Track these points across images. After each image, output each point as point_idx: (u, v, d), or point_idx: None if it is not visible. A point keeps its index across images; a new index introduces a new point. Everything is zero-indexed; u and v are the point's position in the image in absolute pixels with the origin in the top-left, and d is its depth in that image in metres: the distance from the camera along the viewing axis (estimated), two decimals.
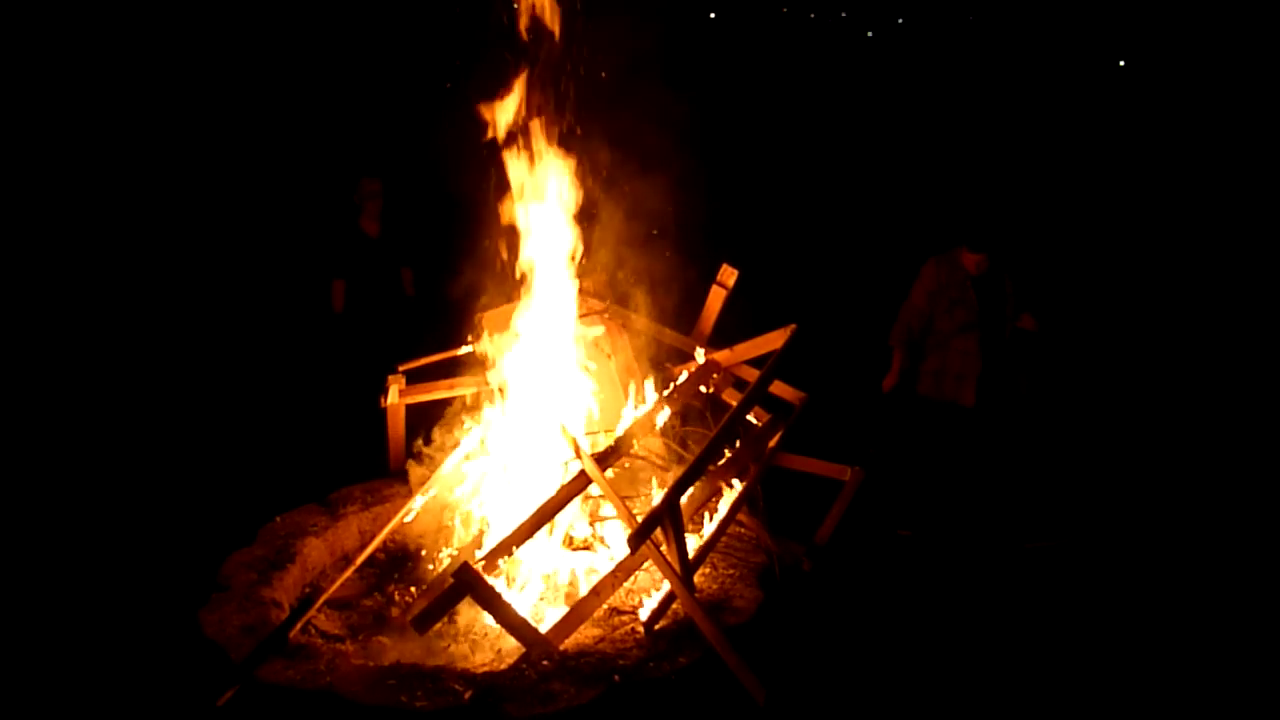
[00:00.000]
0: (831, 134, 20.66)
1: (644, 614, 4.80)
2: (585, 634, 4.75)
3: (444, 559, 5.37)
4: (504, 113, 5.76)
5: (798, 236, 13.40)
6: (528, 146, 5.79)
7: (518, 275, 5.92)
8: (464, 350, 6.02)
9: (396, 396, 5.88)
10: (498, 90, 5.77)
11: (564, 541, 5.36)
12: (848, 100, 24.98)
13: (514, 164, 5.79)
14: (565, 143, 5.96)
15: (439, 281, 6.80)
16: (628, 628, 4.81)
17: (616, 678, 4.35)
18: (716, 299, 6.07)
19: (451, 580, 4.49)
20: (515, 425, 5.57)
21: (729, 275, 6.03)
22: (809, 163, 17.96)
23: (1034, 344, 6.83)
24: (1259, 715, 4.99)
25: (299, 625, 4.61)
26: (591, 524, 5.46)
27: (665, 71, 6.82)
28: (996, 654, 5.28)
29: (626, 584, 5.01)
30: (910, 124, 21.82)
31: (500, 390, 5.71)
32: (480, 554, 4.79)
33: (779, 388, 5.78)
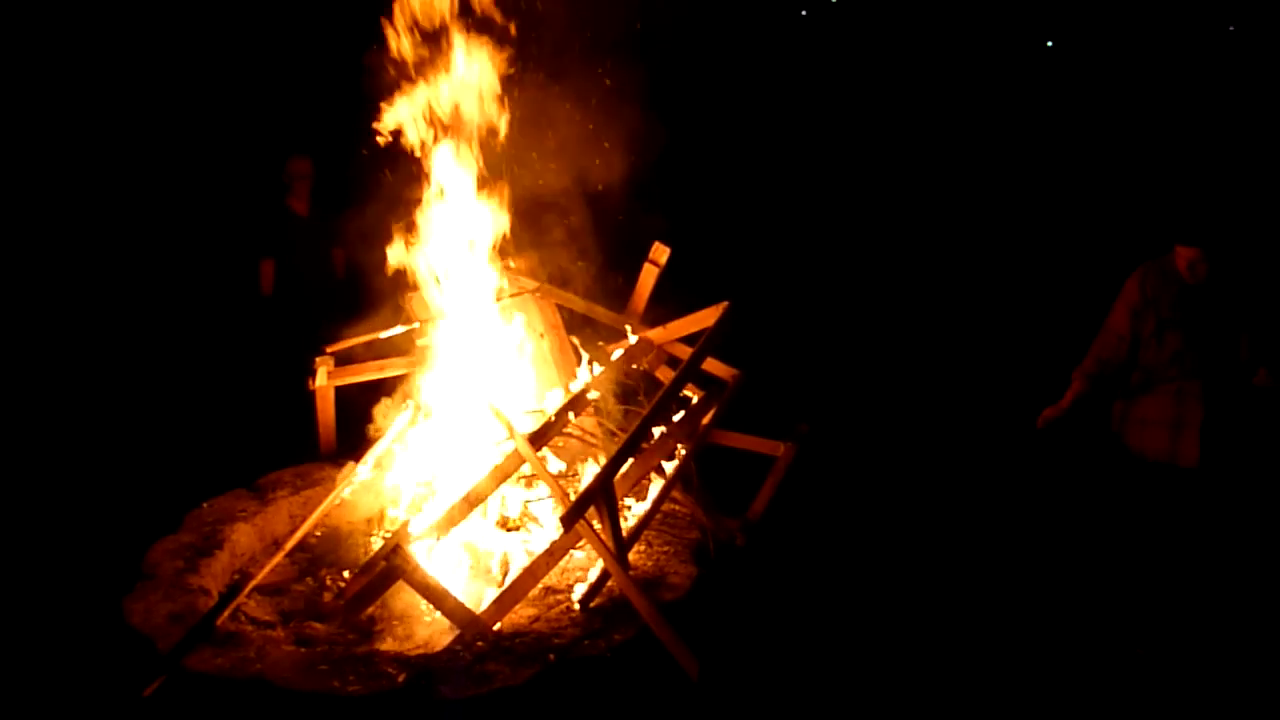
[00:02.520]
0: (767, 111, 20.68)
1: (579, 592, 4.81)
2: (520, 614, 4.74)
3: (376, 542, 5.32)
4: (431, 91, 5.71)
5: (732, 213, 13.42)
6: (456, 126, 5.73)
7: (447, 257, 5.87)
8: (393, 332, 5.95)
9: (325, 379, 5.81)
10: (424, 66, 5.71)
11: (498, 522, 5.33)
12: (784, 78, 25.01)
13: (441, 143, 5.73)
14: (494, 120, 5.91)
15: (370, 262, 6.73)
16: (563, 606, 4.80)
17: (552, 656, 4.33)
18: (649, 276, 6.06)
19: (384, 563, 4.45)
20: (447, 406, 5.52)
21: (661, 253, 6.03)
22: (744, 141, 17.97)
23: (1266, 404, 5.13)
24: None
25: (227, 612, 4.53)
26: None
27: (595, 48, 6.79)
28: (931, 628, 5.35)
29: (562, 563, 5.00)
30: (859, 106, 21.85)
31: (431, 371, 5.66)
32: (413, 536, 4.76)
33: (712, 365, 5.79)
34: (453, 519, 4.84)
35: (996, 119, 21.02)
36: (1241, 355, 5.04)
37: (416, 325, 5.85)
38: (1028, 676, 5.01)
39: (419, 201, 5.86)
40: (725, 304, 5.59)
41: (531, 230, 6.31)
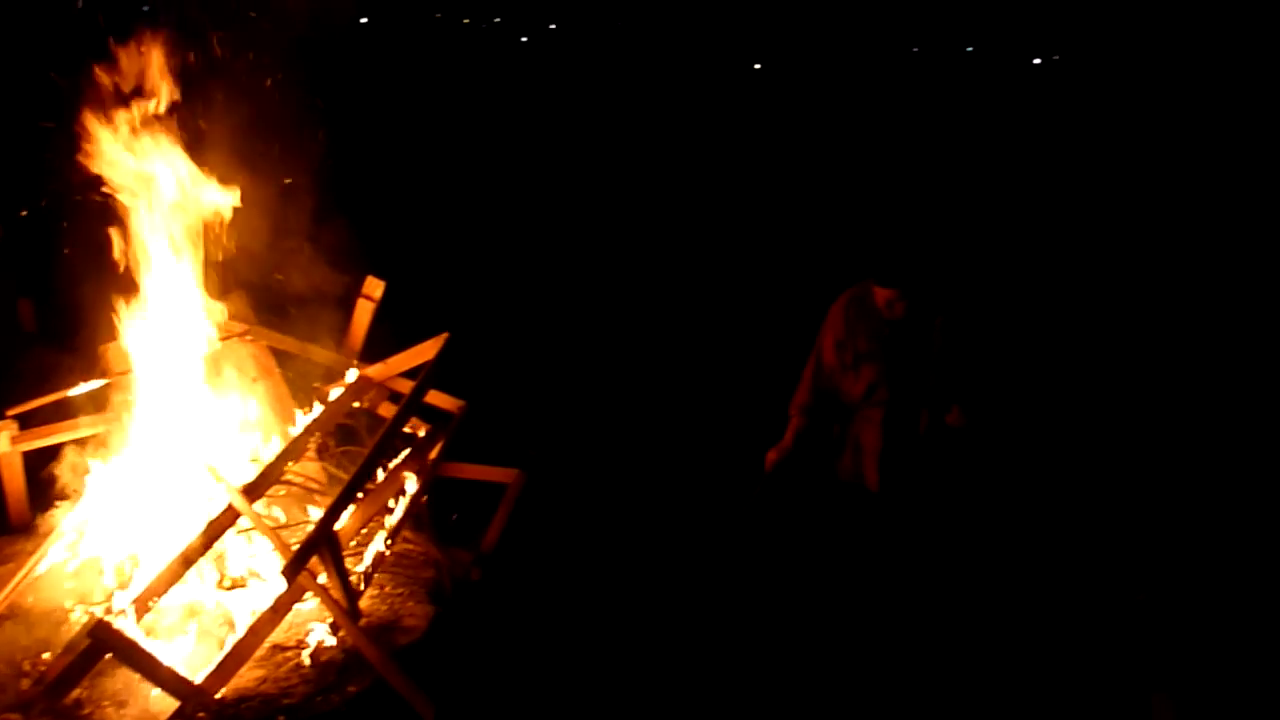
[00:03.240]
0: (486, 139, 20.73)
1: (309, 647, 4.62)
2: (247, 676, 4.49)
3: (80, 617, 4.90)
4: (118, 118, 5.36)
5: (451, 244, 13.29)
6: (144, 157, 5.40)
7: (144, 301, 5.51)
8: (86, 387, 5.51)
9: (8, 444, 5.31)
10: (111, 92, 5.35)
11: (218, 582, 5.03)
12: (504, 105, 25.18)
13: (130, 179, 5.38)
14: (192, 153, 5.61)
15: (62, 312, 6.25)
16: (293, 663, 4.61)
17: (281, 718, 4.15)
18: (364, 313, 5.90)
19: (88, 640, 4.11)
20: (152, 463, 5.17)
21: (375, 287, 5.87)
22: (462, 169, 17.92)
23: (957, 443, 5.05)
24: None
25: None
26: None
27: (309, 78, 6.60)
28: (671, 653, 5.39)
29: (290, 617, 4.78)
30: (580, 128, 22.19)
31: (132, 427, 5.29)
32: (120, 606, 4.43)
33: (437, 398, 5.71)
34: (165, 584, 4.53)
35: (708, 141, 21.95)
36: (936, 391, 4.96)
37: (114, 379, 5.45)
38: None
39: (115, 245, 5.48)
40: (445, 335, 5.52)
41: (240, 270, 6.03)
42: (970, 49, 40.47)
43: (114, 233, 5.45)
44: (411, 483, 5.40)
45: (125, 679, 4.51)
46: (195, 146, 5.65)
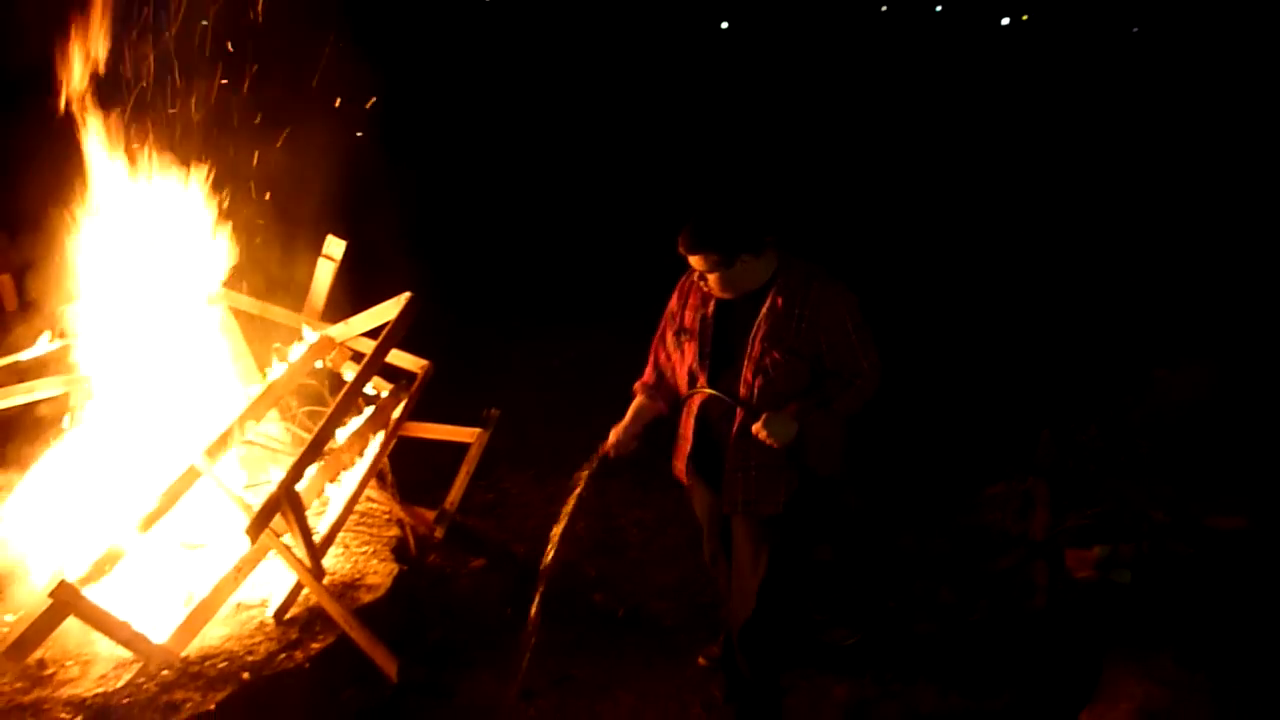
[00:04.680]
0: (448, 99, 20.49)
1: (273, 605, 4.65)
2: (211, 635, 4.53)
3: (39, 579, 4.89)
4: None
5: (413, 205, 13.20)
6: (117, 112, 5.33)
7: (106, 261, 5.45)
8: (42, 350, 5.46)
9: None
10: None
11: (180, 543, 5.04)
12: (463, 66, 24.84)
13: (99, 134, 5.31)
14: (161, 111, 5.56)
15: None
16: (257, 621, 4.65)
17: (246, 675, 4.20)
18: (325, 272, 5.85)
19: (50, 600, 4.11)
20: (111, 424, 5.15)
21: (335, 246, 5.81)
22: (421, 129, 17.72)
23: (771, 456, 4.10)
24: None
25: None
26: None
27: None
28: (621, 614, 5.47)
29: (254, 576, 4.80)
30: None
31: (92, 389, 5.26)
32: (82, 567, 4.43)
33: (401, 358, 5.69)
34: (126, 544, 4.53)
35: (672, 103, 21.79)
36: (753, 390, 4.11)
37: (71, 340, 5.41)
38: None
39: (74, 203, 5.41)
40: (408, 295, 5.48)
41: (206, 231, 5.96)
42: (939, 8, 40.44)
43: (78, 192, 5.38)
44: (374, 442, 5.41)
45: (88, 639, 4.53)
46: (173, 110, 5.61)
